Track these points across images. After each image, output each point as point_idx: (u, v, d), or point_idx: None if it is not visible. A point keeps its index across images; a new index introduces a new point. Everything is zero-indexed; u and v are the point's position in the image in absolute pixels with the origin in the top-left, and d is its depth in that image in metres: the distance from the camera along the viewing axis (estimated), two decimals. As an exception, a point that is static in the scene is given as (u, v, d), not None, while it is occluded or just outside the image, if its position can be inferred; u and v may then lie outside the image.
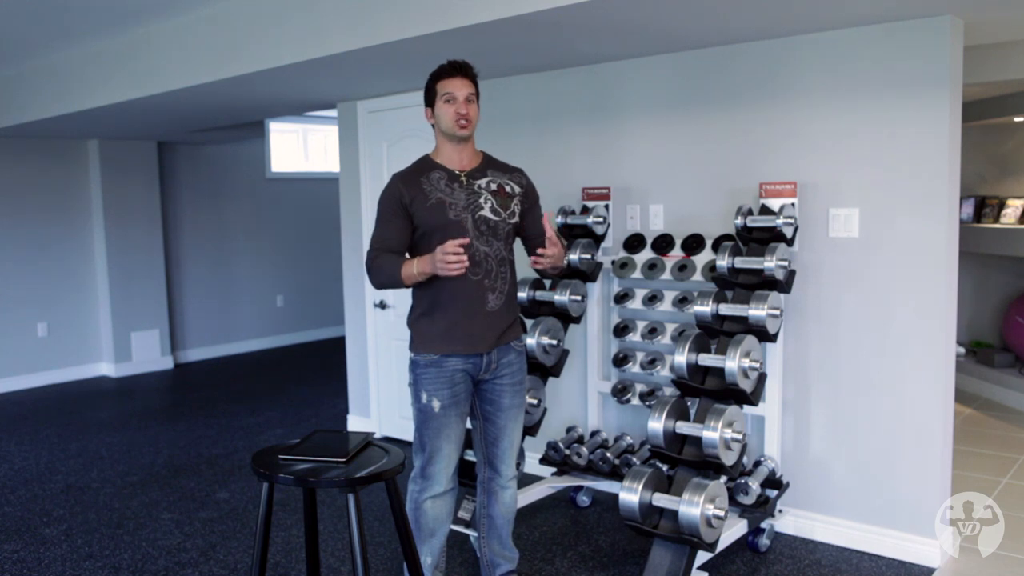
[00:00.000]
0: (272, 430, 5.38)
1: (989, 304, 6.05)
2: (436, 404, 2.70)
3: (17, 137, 6.58)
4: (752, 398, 3.10)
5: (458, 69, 2.71)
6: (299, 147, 8.70)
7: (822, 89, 3.29)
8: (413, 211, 2.67)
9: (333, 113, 5.39)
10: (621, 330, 3.80)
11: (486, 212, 2.70)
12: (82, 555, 3.50)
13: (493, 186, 2.76)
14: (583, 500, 3.90)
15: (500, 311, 2.74)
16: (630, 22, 3.04)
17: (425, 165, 2.76)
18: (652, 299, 3.68)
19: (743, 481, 3.27)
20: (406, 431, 4.97)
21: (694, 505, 2.80)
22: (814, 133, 3.33)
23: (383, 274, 2.66)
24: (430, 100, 2.74)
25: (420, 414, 2.73)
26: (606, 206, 3.84)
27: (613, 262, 3.81)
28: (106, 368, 7.30)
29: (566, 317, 3.65)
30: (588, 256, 3.67)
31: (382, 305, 4.96)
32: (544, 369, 3.54)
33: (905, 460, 3.23)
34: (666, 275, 3.65)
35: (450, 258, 2.46)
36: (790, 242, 3.29)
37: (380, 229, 2.72)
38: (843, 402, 3.36)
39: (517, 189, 2.82)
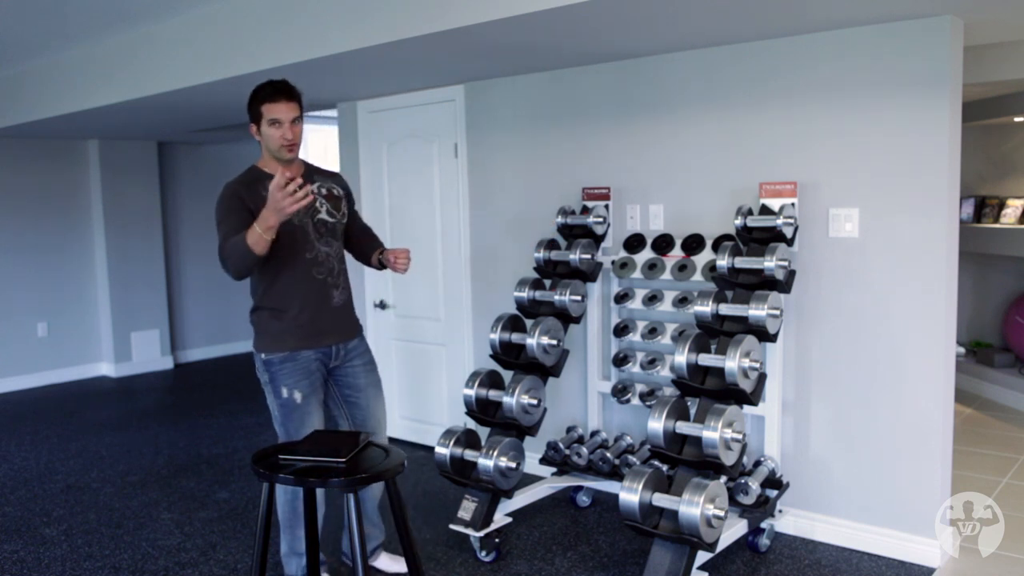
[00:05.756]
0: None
1: (989, 304, 6.05)
2: (298, 396, 2.80)
3: (17, 137, 6.58)
4: (752, 398, 3.10)
5: (283, 92, 2.70)
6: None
7: (822, 89, 3.29)
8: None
9: (333, 113, 5.39)
10: (621, 330, 3.80)
11: (323, 215, 2.85)
12: (82, 555, 3.50)
13: (324, 191, 2.88)
14: (583, 500, 3.90)
15: (344, 306, 2.91)
16: (632, 23, 3.04)
17: (258, 175, 2.76)
18: (652, 299, 3.68)
19: (743, 481, 3.27)
20: (406, 431, 4.97)
21: (694, 505, 2.80)
22: (814, 133, 3.33)
23: (236, 252, 2.54)
24: (255, 118, 2.72)
25: (283, 408, 2.81)
26: (606, 206, 3.84)
27: (613, 262, 3.81)
28: (106, 368, 7.30)
29: (566, 317, 3.65)
30: (588, 256, 3.67)
31: (382, 305, 4.96)
32: (544, 369, 3.54)
33: (905, 460, 3.23)
34: (666, 275, 3.65)
35: (290, 189, 2.35)
36: (790, 242, 3.29)
37: (226, 226, 2.63)
38: (843, 402, 3.36)
39: (342, 192, 2.98)
